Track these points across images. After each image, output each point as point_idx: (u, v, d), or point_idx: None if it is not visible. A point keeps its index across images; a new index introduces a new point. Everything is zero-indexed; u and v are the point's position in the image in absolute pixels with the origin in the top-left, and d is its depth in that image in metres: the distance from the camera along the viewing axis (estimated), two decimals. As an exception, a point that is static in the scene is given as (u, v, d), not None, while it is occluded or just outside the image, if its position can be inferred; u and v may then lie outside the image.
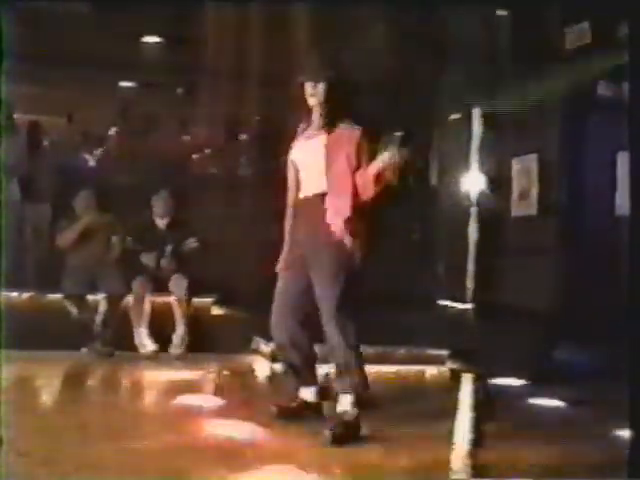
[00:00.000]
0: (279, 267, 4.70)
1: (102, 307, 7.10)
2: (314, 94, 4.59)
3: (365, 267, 4.50)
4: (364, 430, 4.42)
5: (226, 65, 9.92)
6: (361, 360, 4.52)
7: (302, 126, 4.76)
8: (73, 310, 7.01)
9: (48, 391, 5.61)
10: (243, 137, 10.94)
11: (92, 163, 10.82)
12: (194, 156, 11.27)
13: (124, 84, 11.44)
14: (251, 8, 9.18)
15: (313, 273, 4.51)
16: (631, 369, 3.06)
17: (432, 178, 10.14)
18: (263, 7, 9.17)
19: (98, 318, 7.08)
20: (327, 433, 4.25)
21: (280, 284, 4.69)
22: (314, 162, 4.56)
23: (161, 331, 7.12)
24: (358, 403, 4.41)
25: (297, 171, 4.70)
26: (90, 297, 7.17)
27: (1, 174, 7.41)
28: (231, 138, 11.02)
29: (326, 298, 4.43)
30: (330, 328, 4.43)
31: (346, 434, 4.28)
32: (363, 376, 4.48)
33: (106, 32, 9.39)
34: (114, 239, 7.31)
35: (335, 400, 4.51)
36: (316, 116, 4.65)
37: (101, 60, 9.93)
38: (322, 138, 4.56)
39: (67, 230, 7.25)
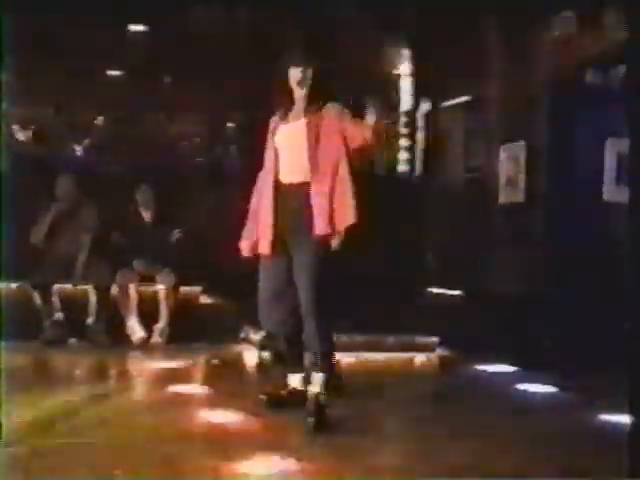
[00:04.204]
0: (265, 250, 4.66)
1: (92, 298, 7.11)
2: (302, 78, 4.59)
3: (349, 254, 4.51)
4: (352, 418, 4.45)
5: (212, 54, 9.88)
6: (332, 345, 4.59)
7: (282, 110, 4.74)
8: (37, 300, 7.01)
9: (35, 382, 5.58)
10: (230, 126, 10.90)
11: (80, 153, 10.76)
12: (181, 145, 11.24)
13: (110, 73, 11.37)
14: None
15: (295, 259, 4.51)
16: (631, 366, 3.06)
17: (420, 167, 10.14)
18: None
19: (90, 309, 7.10)
20: (309, 421, 4.26)
21: (264, 271, 4.68)
22: (297, 146, 4.55)
23: (153, 319, 7.14)
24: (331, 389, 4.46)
25: (277, 155, 4.68)
26: (81, 288, 7.19)
27: (1, 167, 7.37)
28: (218, 127, 10.98)
29: (305, 285, 4.44)
30: (308, 313, 4.45)
31: (324, 419, 4.29)
32: (331, 360, 4.56)
33: (93, 20, 9.33)
34: (84, 236, 7.29)
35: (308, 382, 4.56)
36: (299, 100, 4.65)
37: (87, 49, 9.88)
38: (305, 122, 4.55)
39: (37, 225, 7.25)
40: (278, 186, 4.63)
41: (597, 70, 7.02)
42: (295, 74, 4.61)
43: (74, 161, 10.12)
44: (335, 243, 4.48)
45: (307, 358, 4.58)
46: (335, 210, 4.45)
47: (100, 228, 7.40)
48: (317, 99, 4.59)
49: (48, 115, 11.04)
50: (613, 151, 7.12)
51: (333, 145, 4.49)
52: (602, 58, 6.97)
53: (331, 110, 4.56)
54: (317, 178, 4.49)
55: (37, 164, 8.75)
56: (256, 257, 4.74)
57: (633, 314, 3.14)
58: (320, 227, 4.43)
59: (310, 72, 4.60)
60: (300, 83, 4.61)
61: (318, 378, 4.48)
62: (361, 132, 4.47)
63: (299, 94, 4.65)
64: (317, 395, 4.41)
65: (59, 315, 7.05)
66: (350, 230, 4.47)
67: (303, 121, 4.57)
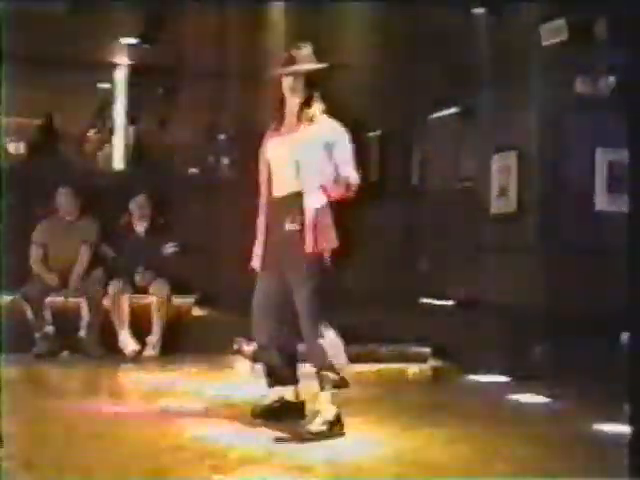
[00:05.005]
0: (255, 265, 4.67)
1: (84, 310, 7.11)
2: (293, 88, 4.57)
3: (342, 265, 4.51)
4: (346, 429, 4.45)
5: (205, 65, 9.90)
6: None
7: (275, 123, 4.73)
8: (29, 313, 7.00)
9: (28, 394, 5.56)
10: (223, 137, 10.92)
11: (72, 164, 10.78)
12: (174, 157, 11.26)
13: (103, 85, 11.40)
14: (229, 8, 9.16)
15: (289, 273, 4.50)
16: (630, 367, 3.07)
17: (413, 177, 10.15)
18: (241, 7, 9.15)
19: (82, 322, 7.09)
20: (305, 430, 4.27)
21: (259, 284, 4.68)
22: (288, 159, 4.54)
23: (145, 331, 7.13)
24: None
25: (270, 169, 4.68)
26: (72, 300, 7.18)
27: (2, 178, 7.36)
28: (211, 138, 11.00)
29: (302, 298, 4.43)
30: (307, 327, 4.44)
31: (324, 430, 4.30)
32: (340, 373, 4.48)
33: (84, 33, 9.35)
34: (83, 249, 7.29)
35: (316, 398, 4.54)
36: (291, 112, 4.64)
37: (80, 61, 9.90)
38: (298, 135, 4.54)
39: (40, 275, 7.20)
40: (272, 199, 4.64)
41: (587, 79, 7.04)
42: (287, 81, 4.61)
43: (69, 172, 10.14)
44: (326, 259, 4.49)
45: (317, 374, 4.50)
46: (323, 229, 4.45)
47: (99, 240, 7.41)
48: (309, 108, 4.58)
49: (40, 127, 11.07)
50: (604, 160, 7.15)
51: (323, 160, 4.48)
52: (592, 67, 7.01)
53: (325, 124, 4.55)
54: (309, 192, 4.49)
55: (30, 177, 8.76)
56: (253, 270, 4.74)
57: (632, 320, 3.13)
58: (311, 245, 4.43)
59: (302, 79, 4.59)
60: (292, 91, 4.58)
61: (325, 397, 4.45)
62: (347, 177, 4.46)
63: (291, 103, 4.63)
64: (324, 411, 4.41)
65: (49, 328, 7.04)
66: (335, 252, 4.48)
67: (296, 134, 4.56)
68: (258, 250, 4.64)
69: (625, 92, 3.09)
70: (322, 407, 4.45)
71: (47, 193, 7.50)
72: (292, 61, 4.62)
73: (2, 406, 4.19)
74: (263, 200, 4.67)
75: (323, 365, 4.45)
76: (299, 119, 4.59)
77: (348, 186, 4.46)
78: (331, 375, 4.43)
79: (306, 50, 4.65)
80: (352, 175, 4.49)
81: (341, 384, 4.47)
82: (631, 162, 3.39)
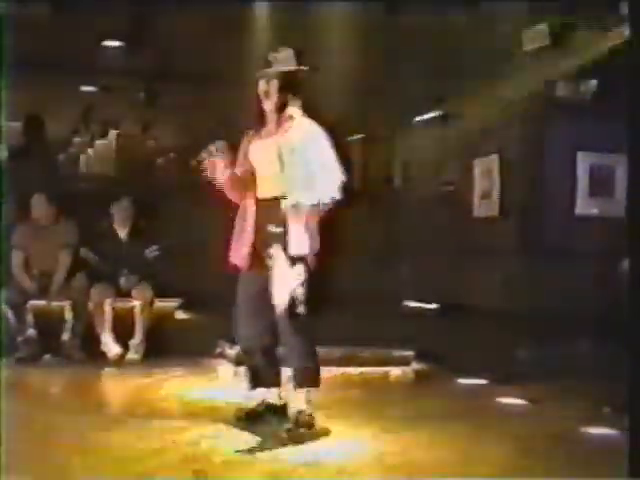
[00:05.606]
0: (242, 264, 4.67)
1: (68, 314, 7.09)
2: (266, 92, 4.59)
3: (325, 268, 4.52)
4: (329, 432, 4.46)
5: (187, 68, 9.90)
6: (316, 358, 4.55)
7: (256, 126, 4.75)
8: (10, 317, 6.98)
9: (10, 399, 5.54)
10: (206, 141, 10.91)
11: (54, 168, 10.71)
12: (158, 160, 11.25)
13: (85, 88, 11.37)
14: (212, 11, 9.15)
15: (270, 274, 4.50)
16: (629, 368, 3.11)
17: (396, 180, 10.18)
18: (224, 10, 9.15)
19: (65, 325, 7.07)
20: (283, 433, 4.27)
21: (241, 286, 4.69)
22: (270, 162, 4.55)
23: (128, 335, 7.11)
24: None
25: (254, 171, 4.69)
26: (55, 304, 7.16)
27: (1, 179, 7.34)
28: (193, 141, 10.99)
29: (282, 298, 4.43)
30: (286, 327, 4.43)
31: (301, 433, 4.31)
32: (316, 374, 4.52)
33: (66, 36, 9.33)
34: (63, 253, 7.28)
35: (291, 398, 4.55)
36: (270, 113, 4.65)
37: (62, 64, 9.87)
38: (276, 138, 4.56)
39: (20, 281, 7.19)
40: (258, 201, 4.65)
41: (568, 83, 7.09)
42: (260, 85, 4.63)
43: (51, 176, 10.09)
44: (310, 262, 4.49)
45: (287, 373, 4.55)
46: (307, 231, 4.45)
47: (79, 244, 7.40)
48: (283, 112, 4.59)
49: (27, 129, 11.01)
50: (585, 164, 7.20)
51: (302, 163, 4.48)
52: (573, 72, 7.06)
53: (302, 128, 4.56)
54: (291, 195, 4.50)
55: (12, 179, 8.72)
56: (234, 272, 4.74)
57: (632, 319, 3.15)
58: (293, 247, 4.43)
59: (275, 83, 4.59)
60: (265, 94, 4.61)
61: (300, 397, 4.46)
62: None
63: (267, 107, 4.65)
64: (300, 412, 4.41)
65: (31, 332, 7.02)
66: (319, 254, 4.49)
67: (275, 137, 4.57)
68: (244, 250, 4.64)
69: (625, 94, 3.11)
70: (298, 408, 4.46)
71: (29, 197, 7.47)
72: (267, 65, 4.63)
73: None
74: (248, 202, 4.68)
75: (298, 365, 4.47)
76: (276, 123, 4.61)
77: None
78: (305, 375, 4.46)
79: (283, 54, 4.66)
80: (328, 184, 4.45)
81: (313, 384, 4.51)
82: (630, 165, 3.41)
